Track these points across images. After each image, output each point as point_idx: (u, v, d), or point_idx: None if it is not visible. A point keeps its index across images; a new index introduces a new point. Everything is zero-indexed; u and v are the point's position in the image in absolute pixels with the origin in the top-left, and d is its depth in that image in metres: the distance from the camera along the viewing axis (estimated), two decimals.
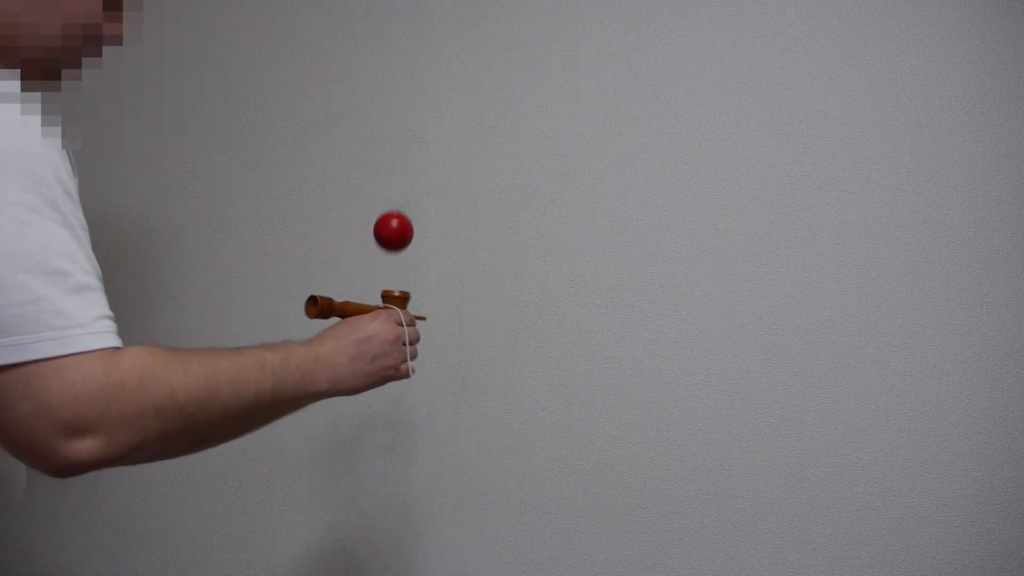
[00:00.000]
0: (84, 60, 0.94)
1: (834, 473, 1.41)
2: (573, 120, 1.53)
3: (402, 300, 1.20)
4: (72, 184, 0.84)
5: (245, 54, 1.69)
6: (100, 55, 0.95)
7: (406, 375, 1.16)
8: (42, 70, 0.91)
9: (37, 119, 0.81)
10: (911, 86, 1.40)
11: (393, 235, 1.22)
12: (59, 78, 0.94)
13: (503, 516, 1.54)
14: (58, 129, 0.83)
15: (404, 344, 1.15)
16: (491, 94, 1.57)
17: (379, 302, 1.20)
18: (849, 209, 1.42)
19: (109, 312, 0.82)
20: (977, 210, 1.37)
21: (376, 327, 1.12)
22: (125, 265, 1.70)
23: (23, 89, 0.85)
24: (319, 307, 1.11)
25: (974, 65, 1.38)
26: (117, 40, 0.95)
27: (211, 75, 1.70)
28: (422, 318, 1.24)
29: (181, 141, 1.71)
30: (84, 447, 0.77)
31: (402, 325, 1.15)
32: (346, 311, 1.15)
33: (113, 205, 1.71)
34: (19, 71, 0.87)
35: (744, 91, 1.46)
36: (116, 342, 0.81)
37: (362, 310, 1.16)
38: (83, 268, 0.80)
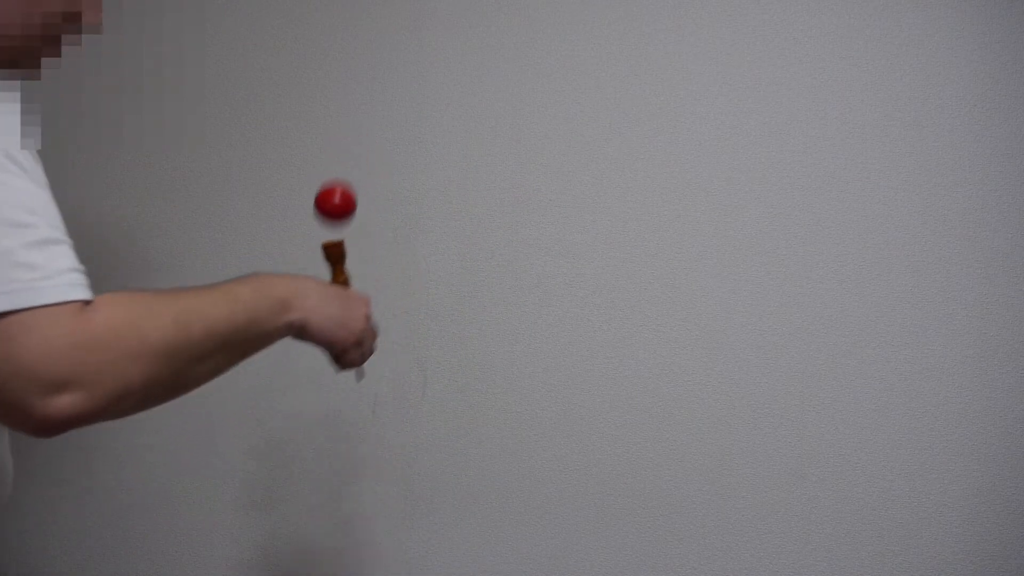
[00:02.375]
0: (64, 47, 0.93)
1: (834, 473, 1.41)
2: (573, 120, 1.53)
3: (338, 250, 1.20)
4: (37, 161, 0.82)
5: (245, 54, 1.69)
6: (80, 43, 0.94)
7: (352, 364, 1.13)
8: (21, 58, 0.90)
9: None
10: (911, 86, 1.40)
11: (335, 210, 1.19)
12: (39, 66, 0.93)
13: (503, 516, 1.54)
14: (16, 101, 0.82)
15: (369, 337, 1.13)
16: (491, 94, 1.57)
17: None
18: (849, 209, 1.42)
19: (79, 265, 0.80)
20: (977, 210, 1.37)
21: (363, 298, 1.13)
22: (125, 265, 1.70)
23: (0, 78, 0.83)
24: (339, 249, 1.17)
25: (974, 65, 1.38)
26: (97, 28, 0.94)
27: (211, 75, 1.70)
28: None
29: (181, 141, 1.70)
30: (65, 402, 0.75)
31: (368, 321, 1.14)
32: (338, 280, 1.18)
33: (112, 205, 1.71)
34: None
35: (744, 91, 1.46)
36: (86, 294, 0.78)
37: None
38: (49, 222, 0.78)
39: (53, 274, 0.76)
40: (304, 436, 1.63)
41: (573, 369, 1.52)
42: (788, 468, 1.43)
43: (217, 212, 1.68)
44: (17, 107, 0.82)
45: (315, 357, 1.62)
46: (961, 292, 1.38)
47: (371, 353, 1.16)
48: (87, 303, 0.78)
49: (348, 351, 1.10)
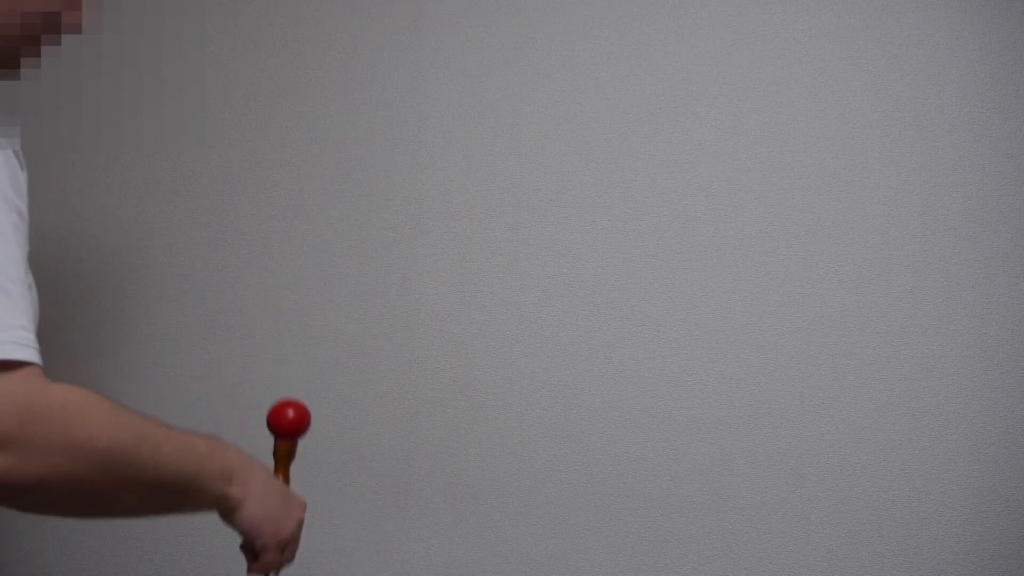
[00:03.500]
0: (43, 48, 0.93)
1: (834, 473, 1.41)
2: (573, 120, 1.53)
3: (289, 456, 1.18)
4: (10, 184, 0.80)
5: (245, 54, 1.69)
6: (59, 43, 0.94)
7: (268, 567, 1.07)
8: (1, 59, 0.90)
9: None
10: (911, 86, 1.40)
11: (289, 426, 1.18)
12: (18, 67, 0.92)
13: (503, 516, 1.54)
14: (17, 119, 0.82)
15: (292, 545, 1.09)
16: (491, 94, 1.57)
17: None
18: (849, 209, 1.42)
19: (30, 322, 0.78)
20: (977, 210, 1.37)
21: (301, 502, 1.09)
22: (124, 265, 1.70)
23: None
24: (291, 448, 1.15)
25: (974, 65, 1.38)
26: (76, 28, 0.93)
27: (211, 75, 1.70)
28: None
29: (181, 141, 1.70)
30: None
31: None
32: (280, 469, 1.15)
33: (112, 205, 1.71)
34: None
35: (744, 91, 1.46)
36: (36, 358, 0.76)
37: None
38: (8, 275, 0.76)
39: (13, 327, 0.75)
40: (303, 437, 1.62)
41: (573, 369, 1.52)
42: (788, 468, 1.43)
43: (217, 212, 1.68)
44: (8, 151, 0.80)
45: (315, 357, 1.62)
46: (961, 292, 1.38)
47: (289, 562, 1.09)
48: (45, 380, 0.76)
49: (269, 550, 1.04)
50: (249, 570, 1.08)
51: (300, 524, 1.07)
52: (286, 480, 1.16)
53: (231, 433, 1.64)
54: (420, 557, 1.57)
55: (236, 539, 1.70)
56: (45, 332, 0.85)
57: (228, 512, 0.98)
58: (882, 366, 1.40)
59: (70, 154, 1.68)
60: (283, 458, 1.16)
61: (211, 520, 1.67)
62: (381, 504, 1.60)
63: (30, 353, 0.75)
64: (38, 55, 0.93)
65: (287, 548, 1.06)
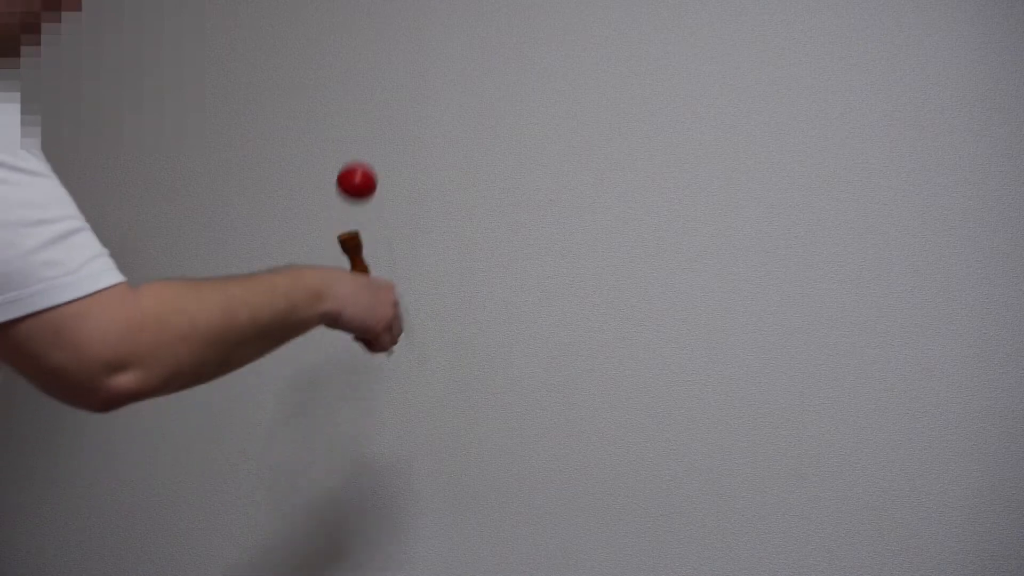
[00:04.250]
0: (44, 36, 0.93)
1: (834, 473, 1.41)
2: (573, 120, 1.53)
3: (357, 249, 1.26)
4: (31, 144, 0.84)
5: (245, 54, 1.69)
6: (59, 20, 0.94)
7: (384, 348, 1.20)
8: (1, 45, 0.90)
9: None
10: (911, 86, 1.40)
11: (357, 189, 1.26)
12: (18, 54, 0.93)
13: (503, 516, 1.54)
14: (17, 102, 0.83)
15: (397, 321, 1.20)
16: (491, 94, 1.57)
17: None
18: (849, 209, 1.42)
19: (102, 248, 0.84)
20: (977, 210, 1.37)
21: (388, 284, 1.19)
22: (124, 265, 1.70)
23: None
24: (356, 240, 1.23)
25: (974, 65, 1.38)
26: (76, 6, 0.94)
27: (211, 75, 1.70)
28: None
29: (181, 141, 1.70)
30: (125, 380, 0.82)
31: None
32: (359, 269, 1.24)
33: (112, 205, 1.71)
34: None
35: (744, 91, 1.46)
36: (119, 277, 0.84)
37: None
38: (64, 213, 0.82)
39: (82, 264, 0.81)
40: (304, 437, 1.63)
41: (573, 369, 1.52)
42: (788, 468, 1.43)
43: (217, 212, 1.69)
44: (16, 108, 0.82)
45: (314, 358, 1.62)
46: (961, 292, 1.38)
47: (399, 334, 1.22)
48: (132, 288, 0.84)
49: (380, 336, 1.17)
50: (371, 355, 1.23)
51: (395, 303, 1.19)
52: (364, 269, 1.26)
53: (231, 432, 1.64)
54: (420, 557, 1.57)
55: (237, 540, 1.71)
56: None
57: (331, 323, 1.10)
58: (882, 366, 1.40)
59: (69, 154, 1.68)
60: (354, 251, 1.25)
61: (211, 520, 1.67)
62: (381, 504, 1.60)
63: (114, 275, 0.83)
64: (38, 43, 0.93)
65: (392, 327, 1.19)
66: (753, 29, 1.46)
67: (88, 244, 0.83)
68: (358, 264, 1.26)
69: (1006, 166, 1.37)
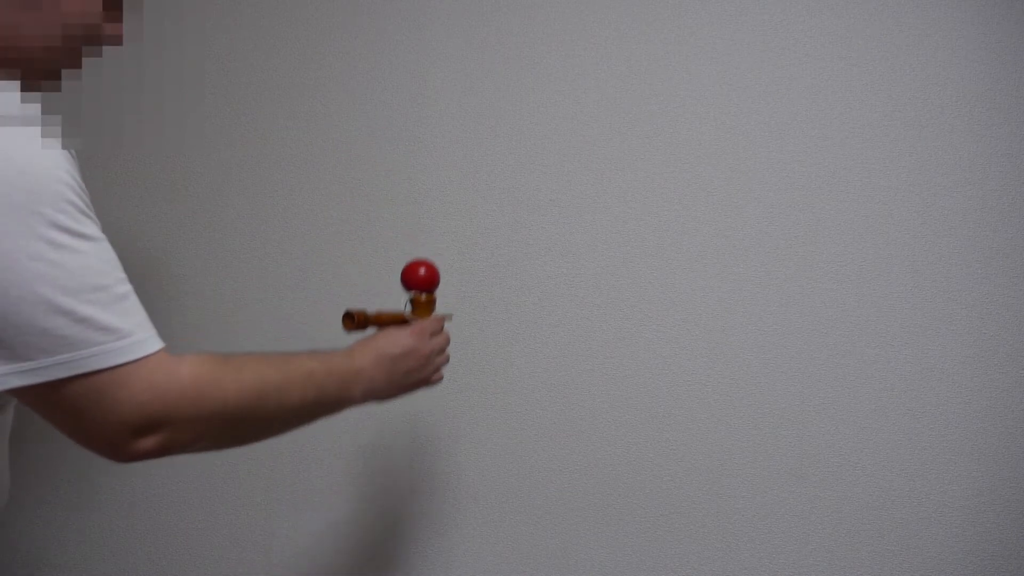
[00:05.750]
0: (84, 60, 0.95)
1: (834, 473, 1.41)
2: (573, 120, 1.53)
3: (429, 306, 1.24)
4: (84, 193, 0.87)
5: (245, 54, 1.69)
6: (100, 55, 0.96)
7: (436, 382, 1.23)
8: (42, 71, 0.92)
9: (39, 135, 0.84)
10: (911, 86, 1.40)
11: (421, 282, 1.26)
12: (59, 78, 0.94)
13: (503, 516, 1.54)
14: (59, 137, 0.85)
15: (436, 356, 1.21)
16: (491, 94, 1.57)
17: (405, 302, 1.25)
18: (849, 209, 1.42)
19: (144, 313, 0.89)
20: (977, 210, 1.37)
21: (412, 342, 1.17)
22: (124, 266, 1.70)
23: (23, 89, 0.86)
24: (356, 321, 1.16)
25: (974, 65, 1.38)
26: (117, 40, 0.96)
27: (211, 75, 1.70)
28: (448, 317, 1.27)
29: (181, 141, 1.70)
30: (149, 443, 0.88)
31: (436, 334, 1.21)
32: (380, 321, 1.19)
33: (112, 205, 1.71)
34: (19, 73, 0.88)
35: (744, 91, 1.46)
36: (160, 343, 0.89)
37: (396, 319, 1.20)
38: (116, 278, 0.87)
39: (131, 330, 0.86)
40: (304, 438, 1.62)
41: (573, 369, 1.52)
42: (788, 468, 1.43)
43: (217, 212, 1.69)
44: (63, 161, 0.85)
45: None
46: (961, 292, 1.38)
47: (445, 362, 1.24)
48: (174, 358, 0.89)
49: (421, 386, 1.20)
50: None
51: (427, 356, 1.19)
52: (391, 321, 1.21)
53: None
54: (420, 557, 1.57)
55: (237, 540, 1.71)
56: None
57: (363, 403, 1.12)
58: (882, 366, 1.40)
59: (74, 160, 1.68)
60: (366, 324, 1.20)
61: (211, 520, 1.67)
62: (381, 504, 1.60)
63: (155, 343, 0.88)
64: (79, 66, 0.96)
65: (432, 371, 1.21)
66: (753, 29, 1.46)
67: (136, 309, 0.88)
68: (381, 322, 1.20)
69: (1006, 166, 1.37)
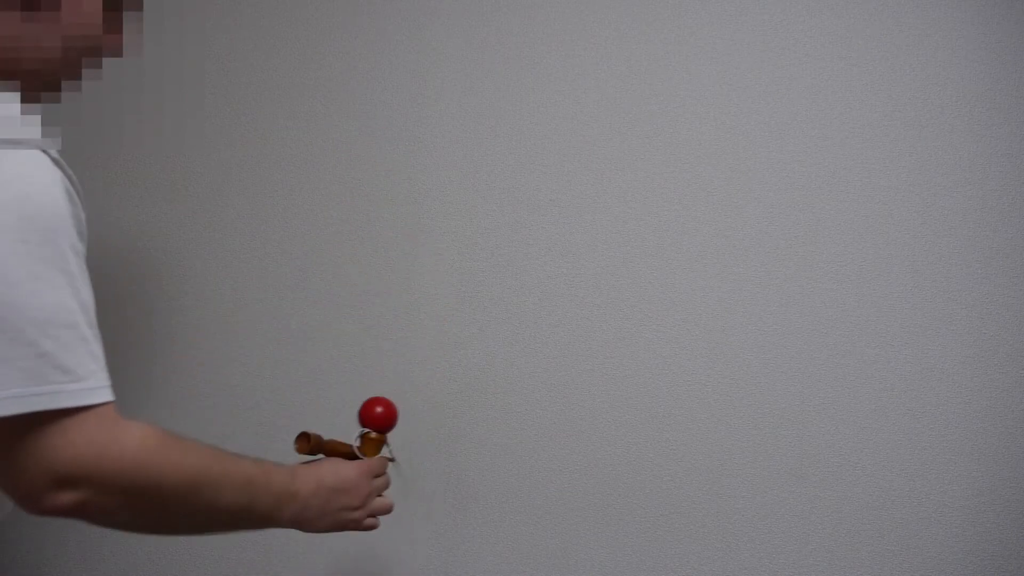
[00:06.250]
0: (84, 71, 0.95)
1: (834, 473, 1.41)
2: (573, 120, 1.53)
3: (377, 445, 1.22)
4: (81, 230, 0.86)
5: (245, 54, 1.69)
6: (100, 67, 0.96)
7: (369, 528, 1.17)
8: (42, 82, 0.92)
9: (43, 161, 0.84)
10: (911, 86, 1.40)
11: (376, 420, 1.24)
12: (59, 89, 0.94)
13: (503, 516, 1.54)
14: (59, 142, 0.85)
15: (374, 497, 1.17)
16: (491, 94, 1.57)
17: (356, 436, 1.22)
18: (849, 209, 1.42)
19: (102, 358, 0.85)
20: (977, 210, 1.37)
21: (355, 479, 1.14)
22: (124, 266, 1.70)
23: (23, 101, 0.86)
24: (311, 444, 1.16)
25: (974, 65, 1.38)
26: (117, 52, 0.96)
27: (211, 75, 1.70)
28: (391, 460, 1.24)
29: (181, 141, 1.70)
30: (66, 498, 0.82)
31: (378, 476, 1.18)
32: (330, 450, 1.18)
33: (112, 205, 1.71)
34: (19, 85, 0.88)
35: (744, 91, 1.46)
36: (111, 396, 0.84)
37: (345, 451, 1.19)
38: (86, 320, 0.84)
39: (86, 375, 0.82)
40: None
41: (573, 369, 1.52)
42: (788, 468, 1.43)
43: (217, 212, 1.68)
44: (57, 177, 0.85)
45: (315, 361, 1.62)
46: (961, 292, 1.38)
47: (384, 510, 1.18)
48: (122, 420, 0.85)
49: (350, 527, 1.14)
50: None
51: (368, 492, 1.15)
52: (338, 451, 1.20)
53: (232, 429, 1.64)
54: (420, 557, 1.57)
55: (237, 540, 1.70)
56: None
57: (296, 527, 1.07)
58: (882, 366, 1.40)
59: (68, 154, 1.68)
60: (319, 450, 1.19)
61: None
62: None
63: (104, 393, 0.84)
64: (79, 78, 0.96)
65: (369, 515, 1.16)
66: (753, 29, 1.46)
67: (96, 354, 0.84)
68: (330, 450, 1.19)
69: (1006, 166, 1.37)
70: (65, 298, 0.82)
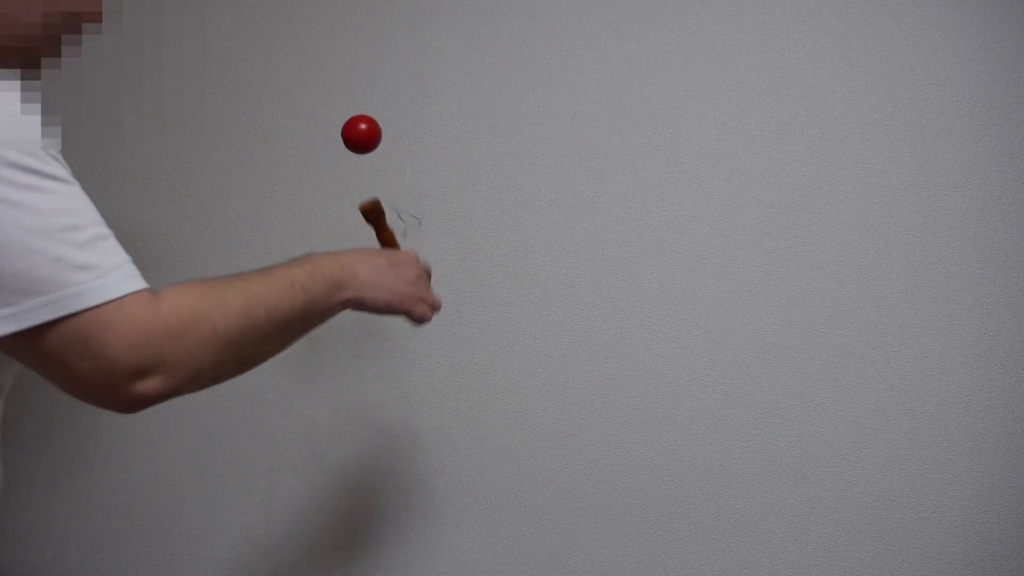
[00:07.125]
0: (64, 47, 0.94)
1: (834, 473, 1.41)
2: (573, 120, 1.53)
3: (376, 210, 1.24)
4: (57, 151, 0.86)
5: (245, 54, 1.69)
6: (80, 43, 0.95)
7: (424, 317, 1.18)
8: (20, 61, 0.91)
9: (16, 97, 0.83)
10: (911, 86, 1.40)
11: (361, 137, 1.25)
12: (38, 66, 0.94)
13: (503, 516, 1.54)
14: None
15: (425, 282, 1.19)
16: (491, 94, 1.57)
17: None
18: (849, 209, 1.42)
19: (127, 256, 0.86)
20: (977, 210, 1.37)
21: (409, 257, 1.17)
22: None
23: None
24: (375, 209, 1.20)
25: (974, 65, 1.38)
26: (97, 17, 0.95)
27: (211, 75, 1.70)
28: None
29: (180, 141, 1.70)
30: (150, 386, 0.84)
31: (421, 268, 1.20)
32: (380, 230, 1.22)
33: (112, 205, 1.70)
34: (18, 74, 0.87)
35: (744, 91, 1.46)
36: (142, 282, 0.85)
37: (394, 245, 1.23)
38: (91, 219, 0.84)
39: (110, 269, 0.83)
40: (303, 437, 1.63)
41: (573, 369, 1.52)
42: (788, 468, 1.43)
43: (217, 212, 1.68)
44: (37, 111, 0.84)
45: (315, 361, 1.62)
46: (961, 292, 1.38)
47: (434, 304, 1.19)
48: (153, 293, 0.85)
49: (412, 309, 1.15)
50: (415, 326, 1.20)
51: (419, 277, 1.16)
52: (390, 236, 1.24)
53: (233, 429, 1.64)
54: (420, 557, 1.57)
55: (237, 540, 1.71)
56: None
57: (355, 307, 1.09)
58: (882, 366, 1.40)
59: (68, 154, 1.68)
60: (376, 219, 1.23)
61: (211, 520, 1.67)
62: (381, 505, 1.60)
63: (136, 281, 0.85)
64: (58, 55, 0.94)
65: (424, 297, 1.17)
66: (753, 29, 1.46)
67: (115, 250, 0.85)
68: (383, 232, 1.24)
69: (1006, 166, 1.37)
70: (61, 202, 0.83)
